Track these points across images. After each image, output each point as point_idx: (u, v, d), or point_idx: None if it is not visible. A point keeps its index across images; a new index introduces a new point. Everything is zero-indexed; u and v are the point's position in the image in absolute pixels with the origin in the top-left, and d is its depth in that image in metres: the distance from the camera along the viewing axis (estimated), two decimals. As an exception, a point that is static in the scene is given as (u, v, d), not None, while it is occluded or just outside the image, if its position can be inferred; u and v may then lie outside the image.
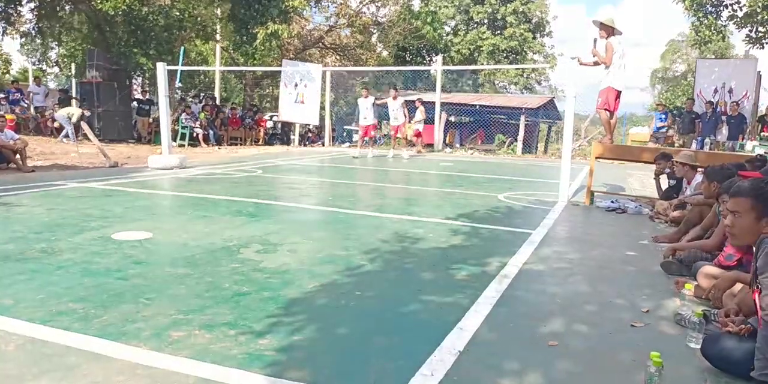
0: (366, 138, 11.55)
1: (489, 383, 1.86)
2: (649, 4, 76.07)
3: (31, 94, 13.34)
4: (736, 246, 2.67)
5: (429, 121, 17.51)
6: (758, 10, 11.80)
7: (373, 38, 24.01)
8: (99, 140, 9.50)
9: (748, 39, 12.88)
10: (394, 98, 10.99)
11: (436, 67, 15.75)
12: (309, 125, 17.05)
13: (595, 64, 6.09)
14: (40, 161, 8.40)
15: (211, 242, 3.64)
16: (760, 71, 12.42)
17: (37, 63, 23.24)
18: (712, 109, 11.87)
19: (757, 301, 1.87)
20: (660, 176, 5.83)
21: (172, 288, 2.71)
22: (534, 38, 28.88)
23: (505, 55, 28.17)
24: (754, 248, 2.00)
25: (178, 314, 2.35)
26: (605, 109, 6.06)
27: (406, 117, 11.37)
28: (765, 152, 7.27)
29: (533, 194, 6.58)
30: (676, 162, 5.02)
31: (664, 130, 13.00)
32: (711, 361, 2.01)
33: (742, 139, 10.81)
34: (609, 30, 5.89)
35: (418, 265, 3.28)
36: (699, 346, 2.11)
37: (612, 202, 5.79)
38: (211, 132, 13.89)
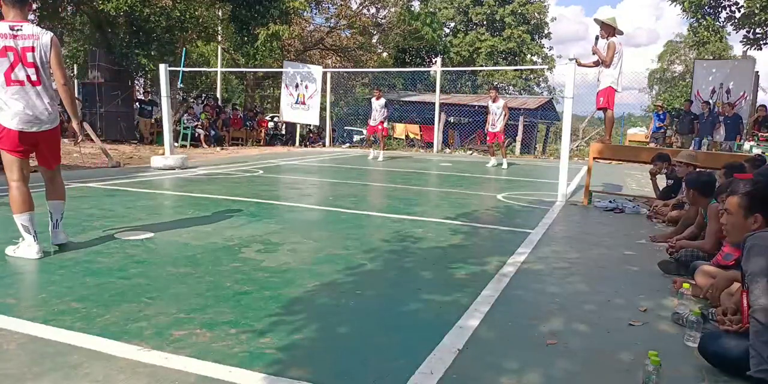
0: (371, 137, 11.59)
1: (488, 382, 1.87)
2: (647, 5, 76.17)
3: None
4: (732, 244, 2.70)
5: (428, 121, 17.60)
6: (756, 12, 11.84)
7: (374, 40, 24.06)
8: (101, 141, 9.52)
9: (745, 40, 12.92)
10: (495, 100, 9.38)
11: (436, 68, 15.79)
12: (310, 126, 17.09)
13: (595, 64, 6.12)
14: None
15: (212, 242, 3.66)
16: (757, 72, 12.45)
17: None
18: (709, 110, 11.90)
19: (743, 300, 1.90)
20: (656, 176, 5.86)
21: (173, 287, 2.73)
22: (532, 40, 28.95)
23: (503, 56, 28.25)
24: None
25: (179, 313, 2.37)
26: (607, 109, 6.09)
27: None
28: (763, 152, 7.30)
29: (532, 194, 6.60)
30: (678, 161, 5.04)
31: (662, 130, 13.04)
32: (708, 360, 2.03)
33: (740, 139, 10.83)
34: (610, 30, 5.91)
35: (418, 265, 3.30)
36: (696, 345, 2.13)
37: (610, 201, 5.81)
38: (211, 132, 13.92)
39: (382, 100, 10.88)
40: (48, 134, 3.18)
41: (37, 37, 3.07)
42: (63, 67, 3.20)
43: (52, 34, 3.16)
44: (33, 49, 3.05)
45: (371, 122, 11.01)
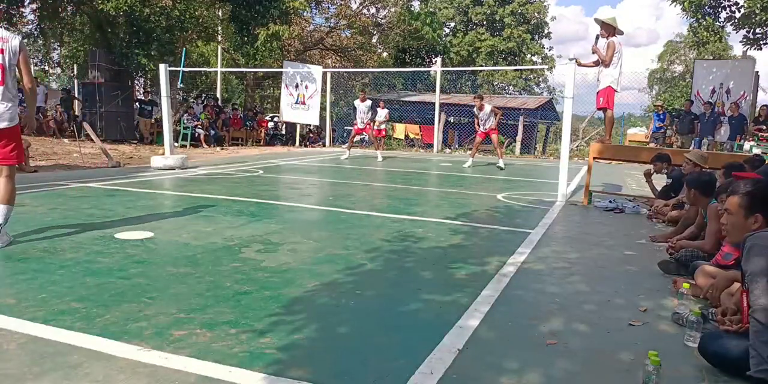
0: (356, 136, 11.64)
1: (488, 382, 1.87)
2: (647, 5, 76.18)
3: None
4: (733, 244, 2.70)
5: (428, 121, 17.60)
6: (756, 12, 11.83)
7: (374, 40, 24.06)
8: (101, 141, 9.52)
9: (745, 40, 12.91)
10: (480, 108, 9.71)
11: (436, 68, 15.78)
12: (310, 126, 17.09)
13: (595, 63, 6.12)
14: (43, 161, 8.42)
15: (212, 242, 3.66)
16: (757, 72, 12.44)
17: (39, 64, 23.30)
18: (710, 110, 11.90)
19: (743, 300, 1.90)
20: (651, 176, 5.86)
21: (173, 287, 2.73)
22: (532, 39, 28.94)
23: (503, 56, 28.25)
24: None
25: (179, 313, 2.37)
26: (607, 109, 6.10)
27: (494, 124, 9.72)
28: (762, 152, 7.31)
29: (532, 194, 6.60)
30: (686, 158, 5.04)
31: (662, 130, 13.03)
32: (708, 360, 2.03)
33: (740, 139, 10.83)
34: (610, 29, 5.92)
35: (418, 265, 3.30)
36: (696, 345, 2.13)
37: (610, 201, 5.80)
38: (211, 132, 13.92)
39: (368, 102, 10.75)
40: (7, 131, 3.30)
41: (7, 40, 3.23)
42: (30, 70, 3.37)
43: (20, 37, 3.34)
44: (2, 51, 3.20)
45: (358, 124, 10.91)
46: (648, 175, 5.85)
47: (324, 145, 15.71)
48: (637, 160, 6.45)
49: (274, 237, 3.86)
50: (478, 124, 9.81)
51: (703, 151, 5.07)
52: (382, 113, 11.37)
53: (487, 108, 9.62)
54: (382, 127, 11.56)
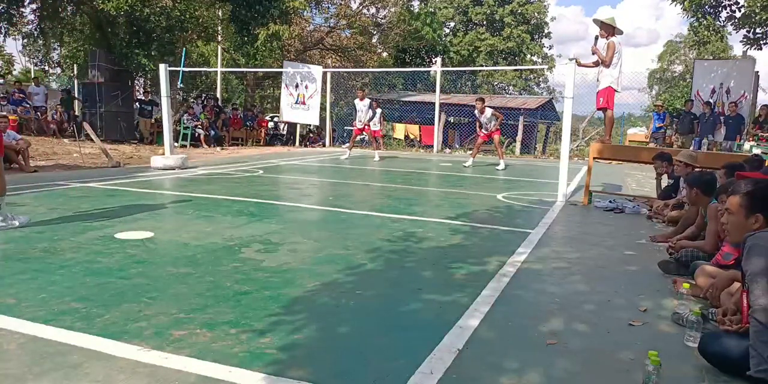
0: (357, 137, 11.60)
1: (488, 382, 1.87)
2: (647, 5, 76.18)
3: (30, 95, 13.39)
4: (733, 244, 2.70)
5: (428, 121, 17.60)
6: (756, 11, 11.84)
7: (374, 40, 24.07)
8: (101, 141, 9.52)
9: (745, 40, 12.91)
10: (482, 111, 9.65)
11: (436, 68, 15.78)
12: (310, 126, 17.09)
13: (595, 64, 6.13)
14: (43, 161, 8.42)
15: (212, 242, 3.66)
16: (757, 72, 12.43)
17: (39, 64, 23.30)
18: (710, 110, 11.91)
19: (744, 300, 1.91)
20: (661, 176, 5.87)
21: (173, 287, 2.73)
22: (532, 40, 28.96)
23: (503, 56, 28.27)
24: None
25: (179, 313, 2.37)
26: (607, 109, 6.10)
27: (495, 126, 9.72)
28: (762, 152, 7.31)
29: (532, 194, 6.60)
30: (677, 160, 5.05)
31: (662, 130, 13.04)
32: (709, 360, 2.03)
33: (740, 139, 10.83)
34: (610, 29, 5.93)
35: (418, 265, 3.30)
36: (696, 345, 2.13)
37: (610, 201, 5.81)
38: (211, 132, 13.92)
39: (366, 101, 10.67)
40: None
41: None
42: None
43: None
44: None
45: (357, 124, 10.85)
46: (659, 175, 5.85)
47: (324, 146, 15.71)
48: (637, 160, 6.46)
49: (274, 237, 3.86)
50: (480, 127, 9.80)
51: (691, 150, 5.09)
52: (376, 113, 11.36)
53: (488, 112, 9.61)
54: (377, 127, 11.49)
